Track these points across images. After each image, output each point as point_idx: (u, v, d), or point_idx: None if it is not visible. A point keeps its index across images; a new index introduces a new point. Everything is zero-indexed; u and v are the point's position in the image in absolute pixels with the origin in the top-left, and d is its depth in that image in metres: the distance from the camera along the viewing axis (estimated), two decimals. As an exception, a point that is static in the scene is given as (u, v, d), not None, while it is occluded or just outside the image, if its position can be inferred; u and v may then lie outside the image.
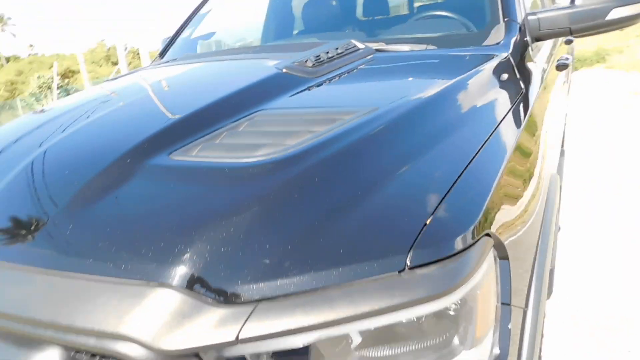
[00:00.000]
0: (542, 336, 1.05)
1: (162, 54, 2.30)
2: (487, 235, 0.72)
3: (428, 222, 0.67)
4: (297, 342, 0.62)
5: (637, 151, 4.06)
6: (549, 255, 1.01)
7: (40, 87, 25.06)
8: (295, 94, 1.16)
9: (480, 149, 0.88)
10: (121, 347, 0.62)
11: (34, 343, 0.70)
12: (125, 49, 18.64)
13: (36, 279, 0.71)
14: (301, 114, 1.04)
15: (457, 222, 0.70)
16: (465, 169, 0.80)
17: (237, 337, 0.60)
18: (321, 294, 0.62)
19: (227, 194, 0.78)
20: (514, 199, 0.89)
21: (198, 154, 0.90)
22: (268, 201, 0.74)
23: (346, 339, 0.65)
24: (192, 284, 0.64)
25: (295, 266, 0.63)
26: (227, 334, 0.60)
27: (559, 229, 2.49)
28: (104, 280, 0.67)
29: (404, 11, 2.04)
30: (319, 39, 1.93)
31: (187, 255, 0.66)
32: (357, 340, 0.66)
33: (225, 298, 0.63)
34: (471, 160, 0.83)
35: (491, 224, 0.74)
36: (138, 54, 23.53)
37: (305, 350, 0.64)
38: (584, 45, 13.04)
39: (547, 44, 2.03)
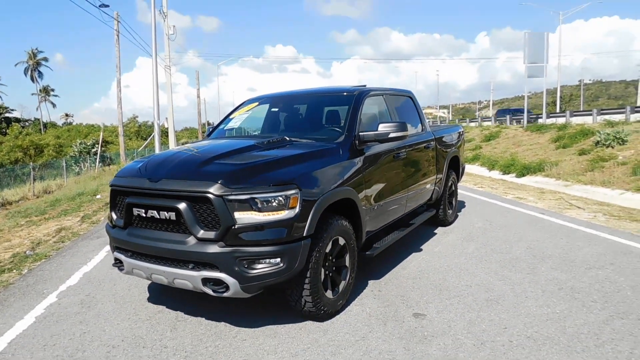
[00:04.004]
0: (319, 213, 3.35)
1: (209, 135, 4.90)
2: (293, 183, 3.14)
3: (280, 175, 3.15)
4: (243, 198, 3.02)
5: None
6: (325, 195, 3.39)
7: (80, 152, 28.85)
8: (257, 150, 3.65)
9: (313, 164, 3.39)
10: (208, 195, 3.03)
11: (174, 197, 3.14)
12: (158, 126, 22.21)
13: (172, 181, 3.18)
14: (255, 155, 3.54)
15: (286, 177, 3.16)
16: (298, 167, 3.28)
17: (231, 193, 3.01)
18: (250, 187, 3.04)
19: (227, 168, 3.25)
20: (311, 179, 3.31)
21: (220, 161, 3.37)
22: (238, 170, 3.21)
23: (255, 201, 3.04)
24: (224, 182, 3.05)
25: (246, 178, 3.08)
26: (229, 192, 3.03)
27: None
28: (188, 181, 3.14)
29: (313, 124, 4.63)
30: (278, 133, 4.48)
31: (217, 175, 3.10)
32: (260, 202, 3.04)
33: (229, 185, 3.03)
34: (305, 167, 3.32)
35: (297, 181, 3.19)
36: (166, 133, 27.07)
37: (246, 200, 3.03)
38: (534, 157, 15.70)
39: (385, 146, 4.47)
